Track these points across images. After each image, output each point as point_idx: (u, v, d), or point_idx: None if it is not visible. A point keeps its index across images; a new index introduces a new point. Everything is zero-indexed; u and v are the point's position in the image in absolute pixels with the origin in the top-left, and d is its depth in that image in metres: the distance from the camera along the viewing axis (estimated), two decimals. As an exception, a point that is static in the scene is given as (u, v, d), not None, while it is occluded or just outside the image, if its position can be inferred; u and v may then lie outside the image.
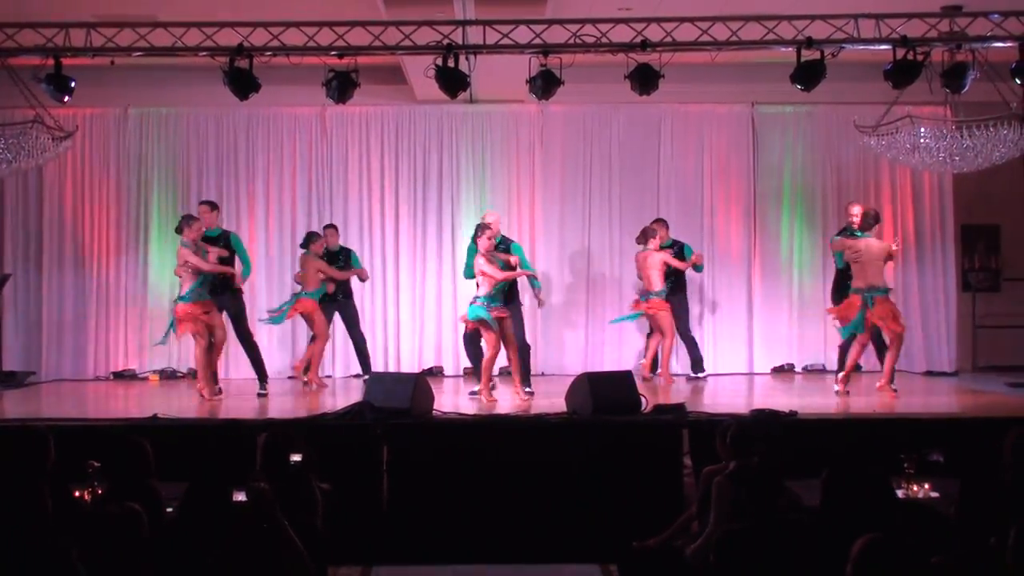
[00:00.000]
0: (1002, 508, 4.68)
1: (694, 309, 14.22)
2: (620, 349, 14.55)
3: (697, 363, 13.61)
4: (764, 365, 14.58)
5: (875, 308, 11.13)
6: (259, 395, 11.95)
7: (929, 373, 14.41)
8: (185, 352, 13.81)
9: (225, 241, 11.99)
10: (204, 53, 10.85)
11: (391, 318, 14.69)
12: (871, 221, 11.48)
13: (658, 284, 12.86)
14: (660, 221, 13.51)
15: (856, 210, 12.23)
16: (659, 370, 12.93)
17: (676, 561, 6.65)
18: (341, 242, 13.53)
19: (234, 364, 13.86)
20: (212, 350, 11.53)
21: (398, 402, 9.73)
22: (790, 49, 10.85)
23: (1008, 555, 4.13)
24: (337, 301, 13.13)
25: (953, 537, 4.85)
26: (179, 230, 11.50)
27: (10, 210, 14.70)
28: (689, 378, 13.51)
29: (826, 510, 5.21)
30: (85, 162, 14.69)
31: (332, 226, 13.60)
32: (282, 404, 11.68)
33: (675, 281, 13.26)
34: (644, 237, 13.05)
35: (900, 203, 14.87)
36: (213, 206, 12.29)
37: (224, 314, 11.87)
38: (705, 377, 13.54)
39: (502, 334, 11.26)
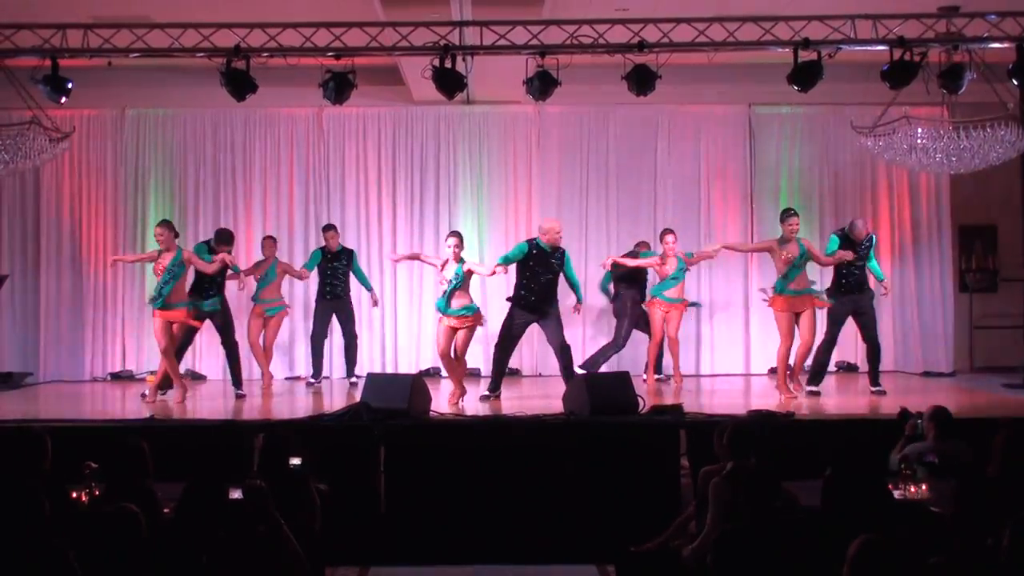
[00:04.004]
0: (997, 508, 4.68)
1: (691, 310, 14.23)
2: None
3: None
4: (761, 366, 14.57)
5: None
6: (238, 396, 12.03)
7: (926, 374, 14.42)
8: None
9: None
10: (201, 54, 10.87)
11: (388, 319, 14.71)
12: None
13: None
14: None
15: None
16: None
17: (673, 562, 6.65)
18: (340, 242, 13.58)
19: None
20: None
21: (396, 403, 9.73)
22: (787, 50, 10.86)
23: (1003, 555, 4.14)
24: (338, 299, 13.30)
25: (949, 537, 4.86)
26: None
27: (7, 211, 14.72)
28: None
29: (827, 510, 5.20)
30: (82, 163, 14.69)
31: (331, 227, 13.64)
32: (279, 405, 11.68)
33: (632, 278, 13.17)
34: None
35: (897, 204, 14.90)
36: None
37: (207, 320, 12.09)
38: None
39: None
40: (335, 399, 11.86)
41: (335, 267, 13.36)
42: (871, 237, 11.95)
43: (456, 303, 11.19)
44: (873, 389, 11.78)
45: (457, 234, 11.47)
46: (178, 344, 11.72)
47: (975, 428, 8.77)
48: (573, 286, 11.88)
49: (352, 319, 13.53)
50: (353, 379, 13.37)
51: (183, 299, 11.44)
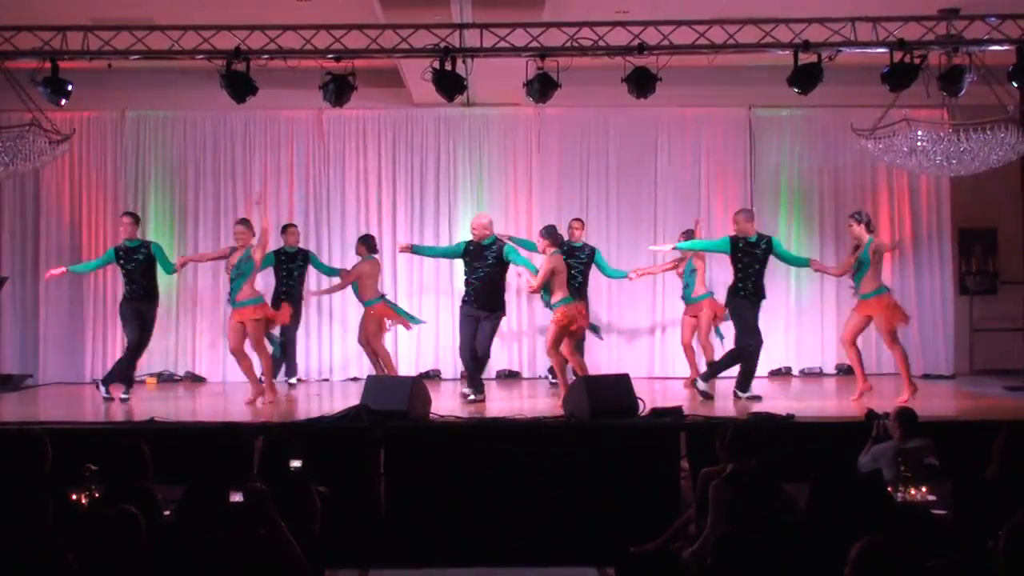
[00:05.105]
0: (997, 510, 4.69)
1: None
2: (618, 353, 14.54)
3: None
4: (761, 368, 14.46)
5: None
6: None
7: (926, 376, 14.39)
8: (182, 355, 13.87)
9: (146, 250, 11.94)
10: (201, 56, 10.86)
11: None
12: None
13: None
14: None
15: None
16: None
17: (673, 564, 6.65)
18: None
19: (232, 369, 13.92)
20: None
21: (395, 405, 9.73)
22: (787, 52, 10.85)
23: (1000, 557, 4.14)
24: (293, 300, 13.31)
25: (950, 540, 4.86)
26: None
27: (7, 213, 14.72)
28: None
29: (813, 510, 5.21)
30: (82, 165, 14.69)
31: (292, 225, 13.74)
32: (278, 407, 11.67)
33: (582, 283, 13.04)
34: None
35: (897, 206, 14.90)
36: (134, 219, 12.28)
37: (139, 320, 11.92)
38: None
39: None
40: (335, 401, 11.86)
41: (289, 268, 13.44)
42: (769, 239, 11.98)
43: (554, 298, 11.39)
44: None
45: (546, 231, 11.73)
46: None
47: (976, 431, 8.79)
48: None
49: (296, 321, 13.47)
50: (292, 381, 13.49)
51: (250, 296, 11.45)
